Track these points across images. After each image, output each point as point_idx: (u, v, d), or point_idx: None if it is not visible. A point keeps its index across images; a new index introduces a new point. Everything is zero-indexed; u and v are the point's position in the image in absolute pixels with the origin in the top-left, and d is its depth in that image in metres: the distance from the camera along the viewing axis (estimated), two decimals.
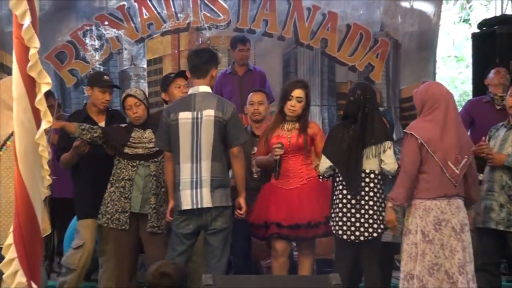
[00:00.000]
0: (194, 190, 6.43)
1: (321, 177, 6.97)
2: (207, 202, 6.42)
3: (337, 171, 6.78)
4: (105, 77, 7.60)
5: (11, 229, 3.95)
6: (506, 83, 8.44)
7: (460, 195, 6.51)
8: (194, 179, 6.44)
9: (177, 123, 6.50)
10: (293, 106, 7.00)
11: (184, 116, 6.49)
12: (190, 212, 6.47)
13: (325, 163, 6.77)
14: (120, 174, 7.08)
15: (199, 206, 6.42)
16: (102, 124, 7.37)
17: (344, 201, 6.72)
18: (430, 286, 6.36)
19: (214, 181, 6.44)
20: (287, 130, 7.03)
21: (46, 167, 4.04)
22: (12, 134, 6.15)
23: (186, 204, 6.45)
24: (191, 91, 6.71)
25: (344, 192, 6.73)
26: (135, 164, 7.05)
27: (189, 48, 10.48)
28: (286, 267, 7.12)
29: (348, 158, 6.70)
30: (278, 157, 6.88)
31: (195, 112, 6.48)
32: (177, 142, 6.51)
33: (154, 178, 7.03)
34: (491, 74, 8.63)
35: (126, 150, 7.07)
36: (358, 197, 6.70)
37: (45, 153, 3.99)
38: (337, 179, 6.79)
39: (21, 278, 3.82)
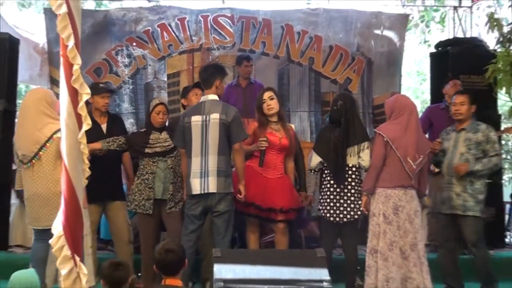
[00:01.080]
0: (203, 179, 6.47)
1: (312, 171, 6.98)
2: (212, 188, 6.46)
3: (325, 165, 6.80)
4: (101, 85, 7.60)
5: (60, 211, 3.93)
6: None
7: (414, 186, 6.65)
8: (203, 170, 6.48)
9: (190, 125, 6.57)
10: (269, 104, 7.02)
11: (196, 119, 6.56)
12: (199, 196, 6.50)
13: (316, 159, 6.84)
14: (144, 169, 7.15)
15: (206, 191, 6.46)
16: (104, 125, 7.38)
17: (332, 189, 6.76)
18: (390, 260, 6.47)
19: (219, 171, 6.48)
20: (276, 130, 7.01)
21: (86, 161, 4.04)
22: (51, 137, 6.21)
23: (196, 190, 6.50)
24: (202, 99, 6.78)
25: (331, 182, 6.76)
26: (155, 160, 7.11)
27: (201, 65, 10.48)
28: (258, 239, 7.21)
29: (335, 155, 6.73)
30: (264, 148, 6.89)
31: (204, 116, 6.55)
32: (190, 140, 6.57)
33: (172, 170, 7.10)
34: (448, 85, 8.61)
35: (147, 150, 7.15)
36: (342, 187, 6.72)
37: (86, 150, 4.00)
38: (326, 172, 6.81)
39: (66, 251, 3.82)
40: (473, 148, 6.95)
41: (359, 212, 6.79)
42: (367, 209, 6.70)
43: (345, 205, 6.76)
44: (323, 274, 5.71)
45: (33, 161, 6.28)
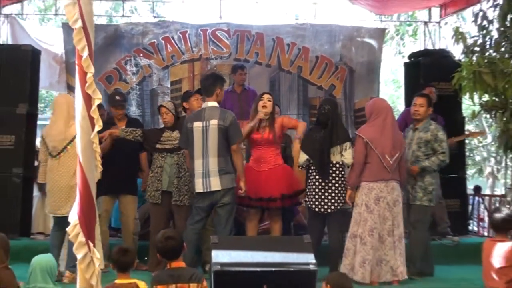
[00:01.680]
0: (205, 179, 6.48)
1: (300, 167, 7.00)
2: (215, 186, 6.47)
3: (311, 162, 6.83)
4: (117, 97, 7.55)
5: (75, 202, 3.94)
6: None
7: (395, 179, 6.65)
8: (204, 171, 6.49)
9: (192, 130, 6.57)
10: (265, 103, 7.03)
11: (197, 125, 6.56)
12: (204, 194, 6.52)
13: (303, 157, 6.86)
14: (154, 163, 7.19)
15: (209, 190, 6.47)
16: (123, 127, 7.40)
17: (317, 183, 6.79)
18: (368, 244, 6.50)
19: (220, 170, 6.48)
20: (263, 128, 7.04)
21: (99, 158, 4.05)
22: (72, 140, 6.31)
23: (199, 189, 6.52)
24: (203, 105, 6.78)
25: (317, 177, 6.79)
26: (163, 155, 7.13)
27: (201, 73, 10.52)
28: (257, 227, 7.20)
29: (320, 153, 6.76)
30: (264, 116, 6.99)
31: (204, 122, 6.55)
32: (193, 143, 6.57)
33: (177, 165, 7.09)
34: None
35: (158, 145, 7.19)
36: (326, 181, 6.76)
37: (98, 148, 4.01)
38: (312, 168, 6.84)
39: (81, 238, 3.83)
40: (423, 146, 7.02)
41: (341, 204, 6.82)
42: (352, 201, 6.73)
43: (329, 197, 6.78)
44: (309, 258, 5.74)
45: (61, 154, 6.46)
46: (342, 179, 6.86)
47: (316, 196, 6.80)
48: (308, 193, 6.88)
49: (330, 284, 4.42)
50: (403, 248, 6.66)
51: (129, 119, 7.67)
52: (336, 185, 6.82)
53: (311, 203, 6.82)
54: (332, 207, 6.78)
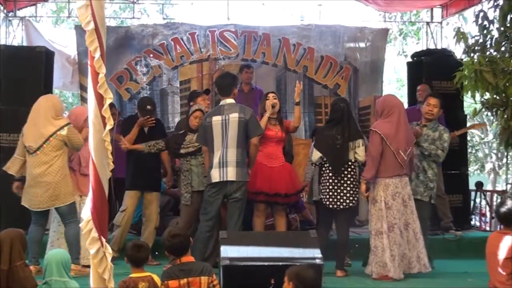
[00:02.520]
0: (221, 169, 6.48)
1: (313, 165, 6.98)
2: (231, 176, 6.47)
3: (325, 159, 6.79)
4: (148, 107, 7.53)
5: (88, 199, 3.94)
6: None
7: (407, 174, 6.61)
8: (221, 161, 6.49)
9: (211, 124, 6.59)
10: (273, 101, 7.03)
11: (216, 119, 6.59)
12: (219, 184, 6.50)
13: (317, 154, 6.84)
14: (182, 168, 7.23)
15: (225, 179, 6.46)
16: (146, 128, 7.48)
17: (330, 180, 6.75)
18: (391, 239, 6.43)
19: (238, 162, 6.50)
20: (274, 125, 7.03)
21: (110, 156, 4.05)
22: (55, 133, 6.42)
23: (215, 178, 6.50)
24: (221, 103, 6.80)
25: (330, 174, 6.76)
26: (188, 159, 7.16)
27: (209, 73, 10.54)
28: (264, 223, 7.17)
29: (334, 150, 6.73)
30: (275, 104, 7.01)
31: (224, 116, 6.58)
32: (212, 137, 6.58)
33: (202, 165, 7.07)
34: (418, 92, 8.73)
35: (182, 150, 7.18)
36: (339, 178, 6.73)
37: (110, 146, 4.00)
38: (325, 165, 6.80)
39: (94, 233, 3.83)
40: (427, 143, 7.00)
41: (354, 201, 6.82)
42: (366, 195, 6.69)
43: (341, 194, 6.75)
44: (315, 252, 5.76)
45: (38, 151, 6.46)
46: (355, 176, 6.83)
47: (330, 193, 6.76)
48: (322, 190, 6.84)
49: (291, 280, 4.33)
50: (422, 241, 6.61)
51: (156, 123, 7.62)
52: (349, 182, 6.78)
53: (325, 199, 6.78)
54: (344, 204, 6.74)
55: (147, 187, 7.44)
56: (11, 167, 6.78)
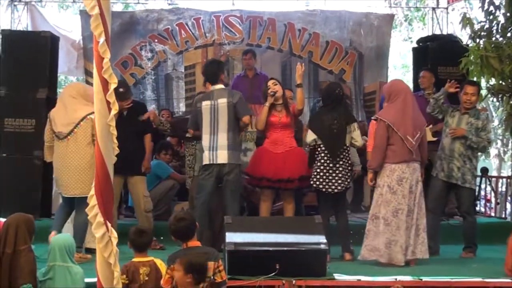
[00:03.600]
0: (211, 152, 6.57)
1: (307, 146, 6.98)
2: (222, 159, 6.55)
3: (319, 143, 6.77)
4: (120, 89, 7.27)
5: (93, 184, 3.95)
6: (431, 83, 8.45)
7: (416, 159, 6.54)
8: (211, 145, 6.57)
9: (201, 109, 6.68)
10: (274, 89, 6.95)
11: (206, 104, 6.68)
12: (210, 166, 6.58)
13: (311, 136, 6.78)
14: (187, 152, 7.31)
15: (216, 162, 6.55)
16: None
17: (325, 164, 6.72)
18: (393, 225, 6.39)
19: (229, 145, 6.56)
20: (279, 111, 7.00)
21: (115, 141, 4.05)
22: (85, 117, 6.28)
23: (205, 161, 6.62)
24: (211, 88, 6.83)
25: (325, 158, 6.73)
26: (193, 143, 7.21)
27: (214, 58, 10.52)
28: (270, 208, 7.15)
29: (331, 134, 6.71)
30: (273, 94, 6.91)
31: (213, 101, 6.65)
32: (201, 121, 6.66)
33: None
34: (419, 79, 8.69)
35: (187, 134, 7.17)
36: (334, 161, 6.71)
37: (114, 131, 4.00)
38: (319, 149, 6.77)
39: (100, 218, 3.84)
40: (472, 131, 6.95)
41: (348, 184, 6.81)
42: (370, 183, 6.67)
43: (336, 177, 6.73)
44: (320, 238, 5.75)
45: (69, 137, 6.36)
46: (348, 160, 6.83)
47: (324, 177, 6.74)
48: (315, 173, 6.80)
49: (182, 264, 4.38)
50: (425, 229, 6.59)
51: (134, 106, 7.37)
52: (344, 165, 6.77)
53: (319, 183, 6.75)
54: (339, 187, 6.72)
55: (128, 171, 7.19)
56: (48, 155, 6.72)
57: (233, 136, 6.64)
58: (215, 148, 6.57)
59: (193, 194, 7.11)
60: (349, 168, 6.84)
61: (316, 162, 6.81)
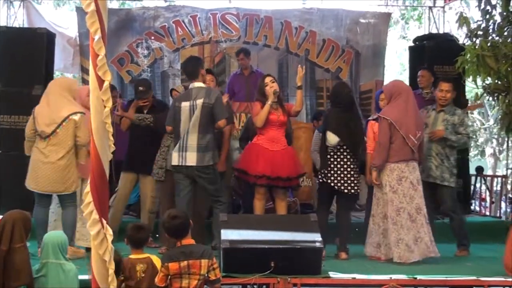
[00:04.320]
0: (181, 153, 6.51)
1: (328, 149, 6.91)
2: (190, 161, 6.48)
3: (341, 144, 6.76)
4: (140, 88, 7.40)
5: (89, 181, 3.95)
6: (430, 83, 8.45)
7: (415, 159, 6.57)
8: (181, 145, 6.52)
9: (180, 109, 6.59)
10: (272, 86, 6.92)
11: (185, 104, 6.57)
12: (179, 167, 6.54)
13: (335, 139, 6.73)
14: (163, 143, 7.14)
15: (183, 164, 6.49)
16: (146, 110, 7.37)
17: (345, 166, 6.73)
18: (398, 224, 6.41)
19: (199, 147, 6.49)
20: (276, 109, 6.99)
21: (111, 138, 4.05)
22: (67, 117, 6.24)
23: (174, 162, 6.55)
24: (190, 86, 6.77)
25: (348, 157, 6.76)
26: (171, 136, 7.04)
27: (211, 55, 10.55)
28: (264, 206, 7.11)
29: (353, 135, 6.75)
30: (276, 92, 6.89)
31: (192, 101, 6.56)
32: (179, 122, 6.58)
33: None
34: (418, 78, 8.68)
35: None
36: (350, 161, 6.74)
37: (110, 128, 4.00)
38: (341, 149, 6.78)
39: (95, 215, 3.84)
40: (449, 128, 6.98)
41: (360, 185, 6.86)
42: (375, 182, 6.64)
43: (348, 176, 6.73)
44: (315, 236, 5.76)
45: (51, 136, 6.29)
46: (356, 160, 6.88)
47: (342, 175, 6.74)
48: (335, 174, 6.78)
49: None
50: (429, 226, 6.60)
51: (154, 104, 7.49)
52: (355, 165, 6.82)
53: (336, 182, 6.73)
54: (354, 188, 6.75)
55: (142, 170, 7.34)
56: (28, 150, 6.61)
57: (203, 137, 6.52)
58: (185, 149, 6.50)
59: (167, 187, 7.06)
60: (358, 169, 6.90)
61: (333, 161, 6.80)
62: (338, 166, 6.78)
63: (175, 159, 6.55)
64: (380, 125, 6.63)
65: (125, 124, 7.33)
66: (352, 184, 6.75)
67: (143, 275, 4.75)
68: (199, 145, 6.49)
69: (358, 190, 6.83)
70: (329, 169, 6.80)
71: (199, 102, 6.52)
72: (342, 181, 6.75)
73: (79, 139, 6.29)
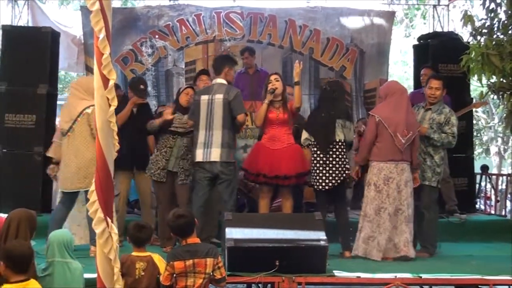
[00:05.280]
0: (206, 149, 6.60)
1: (302, 147, 6.98)
2: (215, 157, 6.56)
3: (312, 140, 6.81)
4: (141, 86, 7.48)
5: (94, 180, 3.96)
6: None
7: (405, 160, 6.59)
8: (206, 141, 6.60)
9: (199, 102, 6.73)
10: (274, 84, 6.96)
11: (204, 98, 6.73)
12: (203, 164, 6.61)
13: (304, 135, 6.92)
14: (163, 143, 7.12)
15: (207, 160, 6.57)
16: (135, 109, 7.37)
17: (320, 161, 6.79)
18: (374, 222, 6.51)
19: (223, 143, 6.59)
20: (277, 108, 7.00)
21: (116, 136, 4.06)
22: (81, 112, 6.30)
23: (199, 158, 6.63)
24: (213, 82, 6.95)
25: (320, 154, 6.83)
26: (175, 137, 7.09)
27: (215, 54, 10.50)
28: (269, 204, 7.15)
29: (323, 130, 6.81)
30: (273, 89, 6.90)
31: (211, 95, 6.70)
32: (198, 115, 6.71)
33: (186, 147, 7.05)
34: (421, 76, 8.66)
35: (171, 128, 7.12)
36: (327, 156, 6.79)
37: (115, 127, 4.01)
38: (314, 148, 6.85)
39: (100, 214, 3.85)
40: (434, 127, 6.96)
41: (341, 179, 6.82)
42: (357, 177, 6.73)
43: (330, 172, 6.78)
44: (320, 234, 5.76)
45: (69, 133, 6.44)
46: (343, 155, 6.86)
47: (316, 173, 6.80)
48: (312, 171, 6.87)
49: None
50: (411, 229, 6.61)
51: (142, 104, 7.54)
52: (337, 161, 6.80)
53: (312, 180, 6.83)
54: (330, 184, 6.77)
55: (138, 167, 7.37)
56: (50, 150, 6.91)
57: (228, 134, 6.65)
58: (210, 145, 6.59)
59: (167, 189, 7.08)
60: (344, 164, 6.86)
61: (312, 160, 6.86)
62: (315, 163, 6.85)
63: (199, 156, 6.64)
64: (368, 122, 6.70)
65: (122, 119, 7.17)
66: (327, 181, 6.79)
67: (142, 273, 4.75)
68: (224, 141, 6.60)
69: (332, 185, 6.80)
70: (311, 169, 6.86)
71: (218, 97, 6.65)
72: (314, 177, 6.83)
73: (94, 131, 6.34)
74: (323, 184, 6.79)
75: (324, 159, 6.80)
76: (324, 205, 6.95)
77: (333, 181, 6.79)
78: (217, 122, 6.63)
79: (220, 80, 6.83)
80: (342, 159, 6.85)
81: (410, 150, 6.67)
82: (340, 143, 6.85)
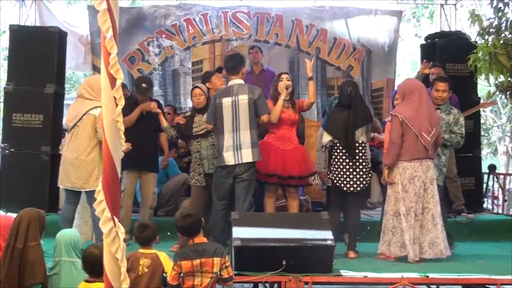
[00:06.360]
0: (236, 151, 6.52)
1: (323, 148, 6.95)
2: (246, 158, 6.50)
3: (335, 142, 6.77)
4: (143, 85, 7.44)
5: (101, 179, 3.96)
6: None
7: (430, 157, 6.53)
8: (235, 144, 6.52)
9: (221, 105, 6.61)
10: (286, 83, 6.96)
11: (226, 100, 6.61)
12: (231, 167, 6.53)
13: (327, 138, 6.82)
14: (192, 149, 7.13)
15: (240, 162, 6.50)
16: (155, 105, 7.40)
17: (344, 163, 6.75)
18: (409, 222, 6.39)
19: (252, 143, 6.54)
20: (287, 108, 6.99)
21: (123, 136, 4.05)
22: (87, 112, 6.35)
23: (229, 162, 6.53)
24: (230, 83, 6.81)
25: (344, 157, 6.76)
26: (198, 140, 7.05)
27: (222, 54, 10.53)
28: (275, 204, 7.11)
29: (346, 133, 6.72)
30: (289, 89, 6.95)
31: (233, 97, 6.61)
32: (222, 118, 6.60)
33: (213, 146, 6.98)
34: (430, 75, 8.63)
35: (193, 132, 7.09)
36: (354, 160, 6.73)
37: (122, 126, 4.00)
38: (337, 149, 6.79)
39: (107, 213, 3.85)
40: (443, 127, 6.91)
41: (367, 183, 6.84)
42: (387, 180, 6.62)
43: (357, 176, 6.75)
44: (327, 234, 5.75)
45: (73, 130, 6.48)
46: (366, 158, 6.85)
47: (345, 176, 6.76)
48: (335, 172, 6.81)
49: None
50: (440, 227, 6.55)
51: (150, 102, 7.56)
52: (363, 164, 6.80)
53: (340, 182, 6.77)
54: (355, 185, 6.75)
55: (144, 167, 7.37)
56: (62, 147, 7.01)
57: (255, 133, 6.61)
58: (240, 147, 6.51)
59: (206, 192, 7.00)
60: (368, 166, 6.86)
61: (335, 161, 6.82)
62: (338, 163, 6.83)
63: (230, 159, 6.53)
64: (392, 123, 6.62)
65: (130, 121, 7.16)
66: (358, 183, 6.76)
67: (146, 270, 4.79)
68: (252, 141, 6.56)
69: (362, 187, 6.80)
70: (332, 168, 6.85)
71: (243, 98, 6.58)
72: (342, 180, 6.77)
73: (99, 134, 6.36)
74: (354, 185, 6.75)
75: (351, 163, 6.77)
76: (339, 205, 6.93)
77: (364, 182, 6.79)
78: (244, 122, 6.55)
79: (239, 81, 6.76)
80: (367, 160, 6.86)
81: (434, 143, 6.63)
82: (363, 145, 6.84)
